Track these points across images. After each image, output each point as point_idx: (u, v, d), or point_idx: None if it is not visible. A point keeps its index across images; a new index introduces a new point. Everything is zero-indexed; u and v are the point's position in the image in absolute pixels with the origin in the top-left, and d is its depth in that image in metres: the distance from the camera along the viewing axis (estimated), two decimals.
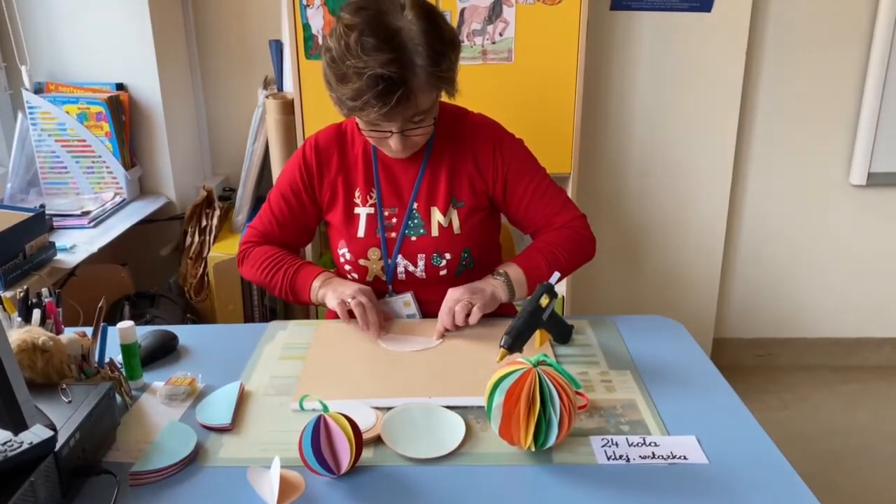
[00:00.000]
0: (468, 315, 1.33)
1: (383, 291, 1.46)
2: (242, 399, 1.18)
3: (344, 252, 1.45)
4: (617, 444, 1.05)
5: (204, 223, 2.27)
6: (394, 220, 1.44)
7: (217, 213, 2.29)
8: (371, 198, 1.44)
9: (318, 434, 0.97)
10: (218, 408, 1.14)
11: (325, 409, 1.00)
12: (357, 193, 1.45)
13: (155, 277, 2.31)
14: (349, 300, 1.33)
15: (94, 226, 1.99)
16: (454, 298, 1.34)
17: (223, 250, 2.18)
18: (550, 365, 1.03)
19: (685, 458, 1.02)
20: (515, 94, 2.06)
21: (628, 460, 1.02)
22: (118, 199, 2.18)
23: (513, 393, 1.00)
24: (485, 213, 1.47)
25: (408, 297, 1.45)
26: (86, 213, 2.02)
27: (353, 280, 1.46)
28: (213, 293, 2.16)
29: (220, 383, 1.22)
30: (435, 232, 1.43)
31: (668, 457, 1.03)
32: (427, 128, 1.33)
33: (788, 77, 2.51)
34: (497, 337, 1.23)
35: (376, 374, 1.24)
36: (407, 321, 1.43)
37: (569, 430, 1.02)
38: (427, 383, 1.20)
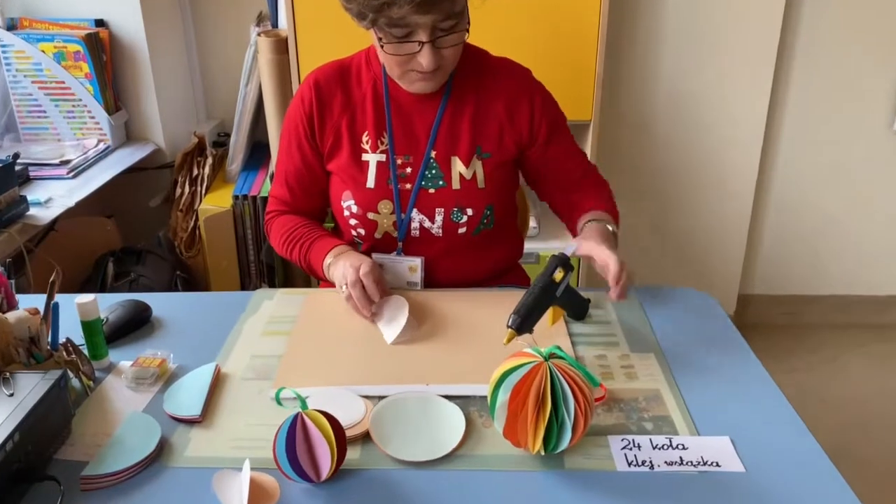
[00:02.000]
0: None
1: (392, 249, 1.32)
2: (217, 384, 1.05)
3: (349, 204, 1.30)
4: (639, 447, 0.92)
5: (195, 172, 2.12)
6: (408, 169, 1.28)
7: (209, 161, 2.13)
8: (382, 143, 1.28)
9: (294, 436, 0.85)
10: (188, 395, 1.01)
11: (304, 405, 0.87)
12: (365, 138, 1.29)
13: (144, 230, 2.18)
14: (344, 288, 1.18)
15: (74, 176, 1.84)
16: (620, 261, 1.13)
17: (215, 202, 2.04)
18: (563, 358, 0.89)
19: (718, 464, 0.89)
20: (531, 32, 1.86)
21: (652, 467, 0.88)
22: (102, 146, 2.03)
23: (520, 390, 0.86)
24: (511, 166, 1.33)
25: (416, 261, 1.31)
26: (65, 163, 1.87)
27: (359, 237, 1.32)
28: (205, 249, 2.02)
29: (195, 363, 1.09)
30: (456, 184, 1.28)
31: (699, 463, 0.89)
32: (460, 35, 1.17)
33: (829, 18, 2.27)
34: (505, 315, 1.09)
35: (368, 356, 1.10)
36: (406, 291, 1.28)
37: (584, 433, 0.88)
38: (425, 368, 1.07)
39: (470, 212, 1.28)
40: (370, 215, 1.29)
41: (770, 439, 0.93)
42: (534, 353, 0.89)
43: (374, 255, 1.29)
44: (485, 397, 0.98)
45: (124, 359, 1.12)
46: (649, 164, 2.42)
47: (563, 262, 1.11)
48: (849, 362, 2.52)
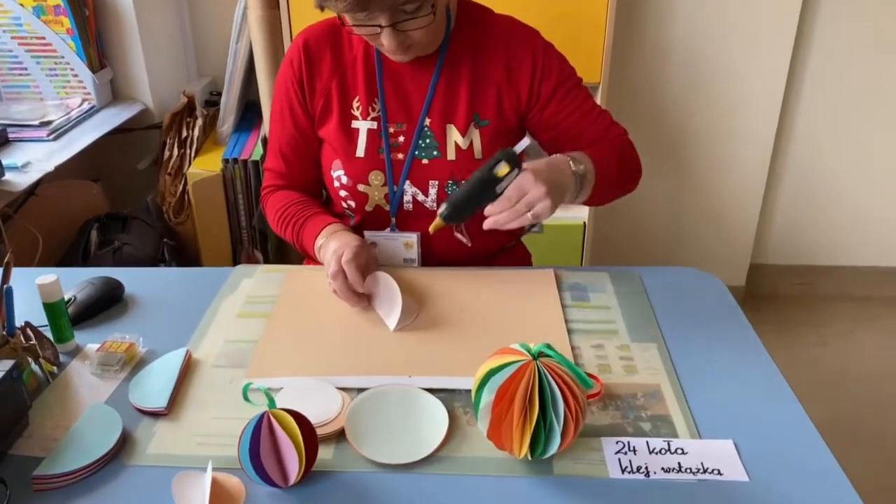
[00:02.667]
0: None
1: (384, 225, 1.24)
2: (187, 371, 0.99)
3: (339, 175, 1.21)
4: (635, 451, 0.85)
5: (184, 134, 2.03)
6: (401, 138, 1.20)
7: (199, 122, 2.04)
8: (374, 110, 1.20)
9: (259, 438, 0.78)
10: (155, 384, 0.95)
11: (271, 403, 0.80)
12: (356, 104, 1.20)
13: (133, 195, 2.11)
14: (331, 274, 1.09)
15: (55, 139, 1.76)
16: (530, 184, 1.00)
17: (205, 166, 1.96)
18: (553, 356, 0.81)
19: (719, 472, 0.82)
20: None
21: (648, 474, 0.82)
22: (86, 105, 1.94)
23: (505, 392, 0.79)
24: (510, 134, 1.23)
25: (412, 237, 1.23)
26: (45, 124, 1.79)
27: (350, 209, 1.24)
28: (194, 215, 1.95)
29: (166, 347, 1.03)
30: (451, 155, 1.19)
31: (698, 470, 0.82)
32: (424, 19, 1.06)
33: None
34: (503, 298, 1.02)
35: (350, 343, 1.03)
36: (402, 269, 1.21)
37: (574, 438, 0.81)
38: (409, 357, 1.00)
39: None
40: (360, 187, 1.21)
41: (777, 445, 0.86)
42: (522, 351, 0.82)
43: (367, 234, 1.21)
44: (469, 392, 0.91)
45: (92, 341, 1.05)
46: (661, 129, 2.31)
47: (509, 156, 1.02)
48: (863, 336, 2.44)
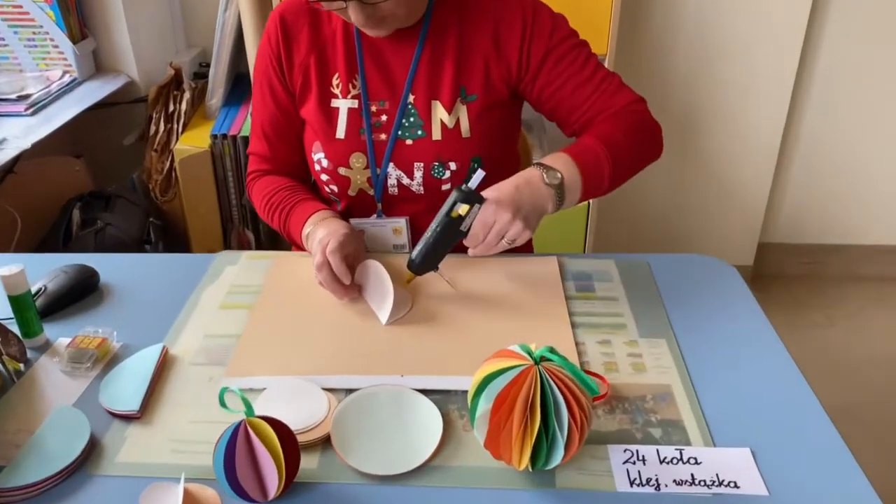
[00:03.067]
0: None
1: (370, 211, 1.17)
2: (163, 369, 0.92)
3: (320, 158, 1.14)
4: (644, 460, 0.78)
5: (171, 108, 1.95)
6: (383, 117, 1.12)
7: (187, 95, 1.96)
8: (354, 88, 1.12)
9: (235, 449, 0.72)
10: (128, 384, 0.88)
11: (249, 410, 0.74)
12: (336, 81, 1.12)
13: (118, 172, 2.02)
14: (316, 265, 1.02)
15: (33, 113, 1.68)
16: (493, 214, 0.97)
17: (192, 142, 1.87)
18: (556, 360, 0.74)
19: (736, 484, 0.75)
20: None
21: (658, 487, 0.75)
22: (67, 78, 1.86)
23: (504, 400, 0.72)
24: (502, 110, 1.14)
25: (400, 222, 1.16)
26: (23, 98, 1.70)
27: (333, 194, 1.17)
28: (181, 193, 1.87)
29: (141, 342, 0.96)
30: (437, 134, 1.11)
31: (713, 483, 0.76)
32: None
33: None
34: (502, 285, 0.95)
35: (338, 338, 0.96)
36: (394, 256, 1.13)
37: (578, 449, 0.75)
38: (401, 354, 0.93)
39: (453, 166, 1.11)
40: (342, 170, 1.13)
41: (798, 453, 0.79)
42: (522, 354, 0.75)
43: (353, 221, 1.14)
44: (466, 392, 0.84)
45: (63, 335, 0.99)
46: (670, 102, 2.22)
47: (464, 195, 0.96)
48: (872, 317, 2.37)
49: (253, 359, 0.92)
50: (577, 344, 0.95)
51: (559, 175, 1.00)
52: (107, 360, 0.94)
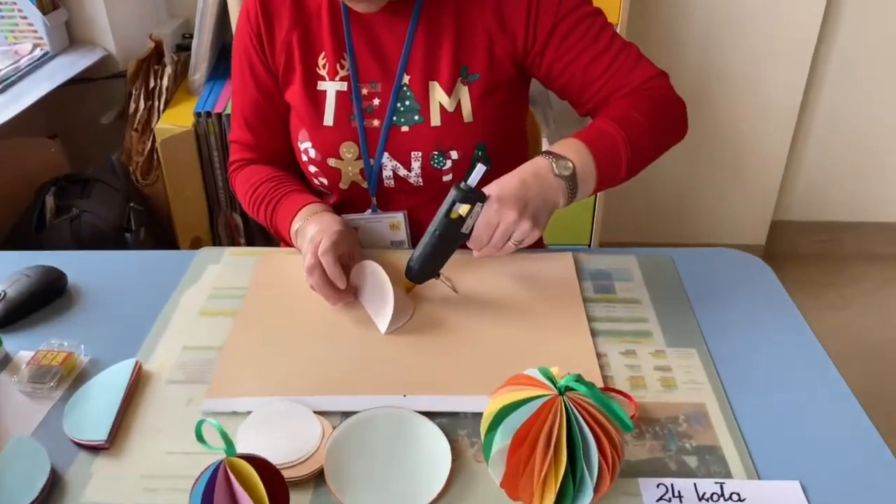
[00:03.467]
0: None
1: (365, 205, 1.06)
2: (135, 389, 0.82)
3: (307, 147, 1.03)
4: (681, 497, 0.69)
5: (152, 84, 1.82)
6: (375, 100, 1.00)
7: (168, 70, 1.83)
8: (342, 68, 1.00)
9: (213, 494, 0.62)
10: (95, 407, 0.79)
11: (229, 449, 0.64)
12: (322, 61, 1.01)
13: (96, 153, 1.90)
14: (306, 268, 0.91)
15: (1, 91, 1.56)
16: (497, 214, 0.86)
17: (175, 120, 1.75)
18: (584, 390, 0.64)
19: None
20: None
21: None
22: (39, 52, 1.73)
23: (525, 436, 0.63)
24: (508, 90, 1.03)
25: (398, 217, 1.05)
26: None
27: (323, 187, 1.06)
28: (164, 175, 1.76)
29: (112, 355, 0.86)
30: (436, 119, 1.00)
31: None
32: None
33: None
34: (515, 286, 0.85)
35: (331, 352, 0.86)
36: (391, 252, 1.03)
37: (609, 489, 0.65)
38: (402, 370, 0.83)
39: (455, 154, 1.00)
40: (331, 161, 1.02)
41: (854, 486, 0.70)
42: (543, 381, 0.65)
43: (346, 217, 1.03)
44: (478, 415, 0.75)
45: (25, 347, 0.88)
46: (684, 74, 2.10)
47: (463, 195, 0.85)
48: (890, 296, 2.28)
49: (237, 376, 0.82)
50: (598, 355, 0.86)
51: (570, 165, 0.89)
52: (73, 378, 0.84)
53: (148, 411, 0.79)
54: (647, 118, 0.96)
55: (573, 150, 0.91)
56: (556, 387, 0.64)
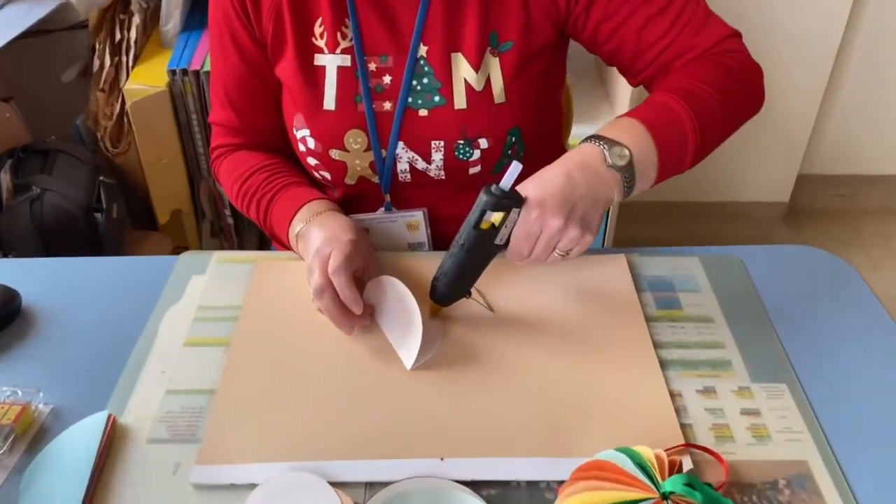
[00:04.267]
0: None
1: (376, 202, 0.89)
2: (108, 451, 0.67)
3: (304, 136, 0.85)
4: None
5: (118, 36, 1.60)
6: (386, 78, 0.82)
7: (136, 20, 1.60)
8: (344, 38, 0.82)
9: None
10: (58, 483, 0.63)
11: None
12: (319, 30, 0.83)
13: (59, 116, 1.68)
14: (314, 290, 0.74)
15: None
16: (538, 221, 0.69)
17: (146, 79, 1.54)
18: (693, 494, 0.49)
19: None
20: None
21: None
22: None
23: None
24: (546, 58, 0.85)
25: (416, 216, 0.88)
26: None
27: (326, 182, 0.89)
28: (136, 142, 1.56)
29: (78, 404, 0.71)
30: (460, 100, 0.82)
31: None
32: None
33: None
34: (563, 307, 0.70)
35: (348, 398, 0.71)
36: (408, 256, 0.87)
37: None
38: (436, 423, 0.68)
39: (484, 143, 0.83)
40: (334, 153, 0.84)
41: None
42: (637, 476, 0.50)
43: (356, 217, 0.86)
44: (535, 484, 0.61)
45: None
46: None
47: (494, 201, 0.68)
48: None
49: (233, 435, 0.67)
50: (671, 395, 0.71)
51: (627, 152, 0.71)
52: (30, 438, 0.68)
53: (126, 484, 0.64)
54: (719, 91, 0.78)
55: (629, 133, 0.73)
56: (655, 486, 0.49)
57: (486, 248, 0.72)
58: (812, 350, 0.76)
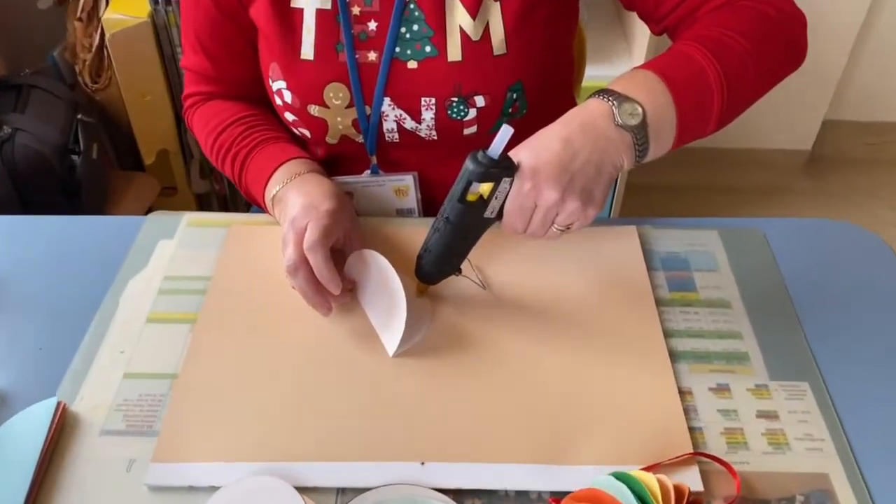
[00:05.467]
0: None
1: (361, 163, 0.80)
2: (56, 446, 0.61)
3: (280, 88, 0.76)
4: None
5: None
6: (371, 24, 0.73)
7: None
8: None
9: None
10: (2, 476, 0.57)
11: None
12: None
13: (32, 48, 1.57)
14: (287, 267, 0.67)
15: None
16: (532, 193, 0.61)
17: (126, 9, 1.42)
18: None
19: None
20: None
21: None
22: None
23: None
24: (555, 6, 0.75)
25: (405, 180, 0.80)
26: None
27: (304, 138, 0.80)
28: (116, 77, 1.45)
29: (25, 390, 0.65)
30: (455, 51, 0.72)
31: None
32: None
33: None
34: (566, 288, 0.62)
35: (321, 391, 0.64)
36: (396, 223, 0.79)
37: None
38: (418, 421, 0.61)
39: (481, 101, 0.74)
40: (313, 109, 0.75)
41: None
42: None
43: (339, 180, 0.78)
44: (525, 494, 0.55)
45: None
46: None
47: (481, 171, 0.59)
48: None
49: (195, 428, 0.61)
50: (681, 393, 0.64)
51: (640, 109, 0.61)
52: None
53: (74, 483, 0.58)
54: (752, 41, 0.67)
55: (644, 88, 0.63)
56: None
57: (474, 221, 0.63)
58: (839, 344, 0.68)
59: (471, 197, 0.61)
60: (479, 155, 0.59)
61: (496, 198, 0.61)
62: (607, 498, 0.46)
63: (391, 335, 0.66)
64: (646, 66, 0.66)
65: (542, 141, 0.61)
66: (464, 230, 0.64)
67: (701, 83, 0.65)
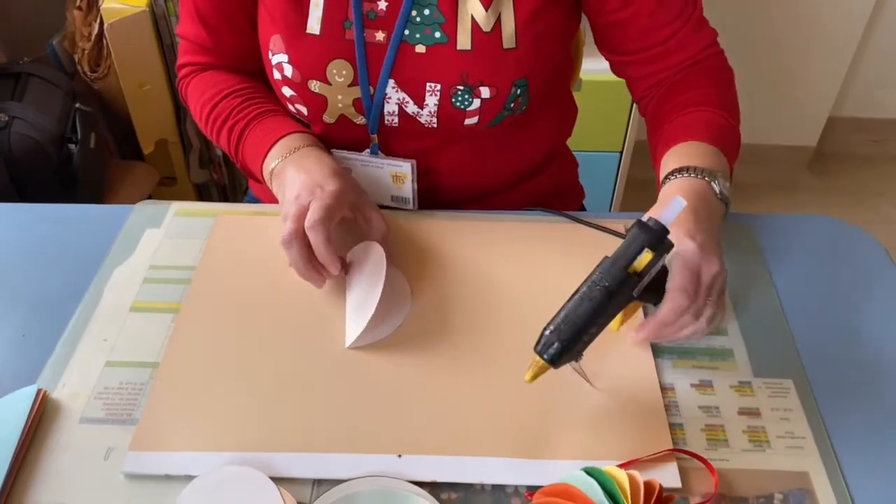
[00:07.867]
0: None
1: (360, 143, 0.80)
2: (35, 434, 0.61)
3: (281, 61, 0.75)
4: None
5: None
6: (382, 3, 0.72)
7: None
8: None
9: None
10: None
11: None
12: None
13: (32, 36, 1.57)
14: (283, 237, 0.67)
15: None
16: (697, 258, 0.61)
17: None
18: None
19: None
20: None
21: None
22: None
23: None
24: (566, 7, 0.75)
25: (404, 167, 0.79)
26: None
27: (301, 117, 0.80)
28: (115, 66, 1.46)
29: (7, 375, 0.65)
30: (464, 41, 0.72)
31: None
32: None
33: None
34: (554, 283, 0.62)
35: (300, 379, 0.64)
36: (390, 212, 0.78)
37: None
38: (396, 413, 0.61)
39: (486, 92, 0.73)
40: (314, 85, 0.75)
41: None
42: None
43: (339, 154, 0.78)
44: (501, 489, 0.55)
45: None
46: None
47: (653, 237, 0.57)
48: None
49: (173, 417, 0.61)
50: (662, 389, 0.64)
51: (722, 174, 0.69)
52: None
53: (51, 470, 0.58)
54: (734, 100, 0.79)
55: (715, 159, 0.70)
56: None
57: (625, 298, 0.59)
58: (824, 342, 0.68)
59: (637, 266, 0.58)
60: (652, 222, 0.57)
61: (650, 270, 0.58)
62: (577, 493, 0.46)
63: (353, 327, 0.66)
64: (699, 138, 0.72)
65: (681, 213, 0.60)
66: (618, 305, 0.59)
67: (736, 145, 0.75)
